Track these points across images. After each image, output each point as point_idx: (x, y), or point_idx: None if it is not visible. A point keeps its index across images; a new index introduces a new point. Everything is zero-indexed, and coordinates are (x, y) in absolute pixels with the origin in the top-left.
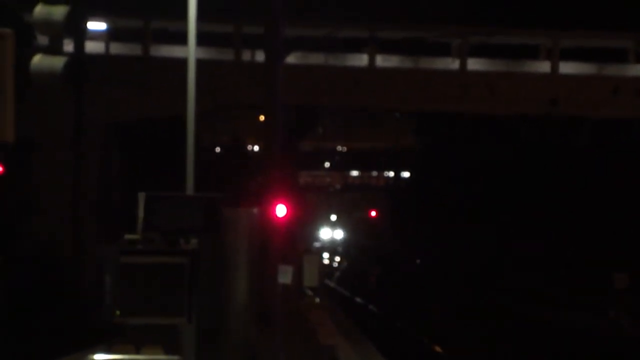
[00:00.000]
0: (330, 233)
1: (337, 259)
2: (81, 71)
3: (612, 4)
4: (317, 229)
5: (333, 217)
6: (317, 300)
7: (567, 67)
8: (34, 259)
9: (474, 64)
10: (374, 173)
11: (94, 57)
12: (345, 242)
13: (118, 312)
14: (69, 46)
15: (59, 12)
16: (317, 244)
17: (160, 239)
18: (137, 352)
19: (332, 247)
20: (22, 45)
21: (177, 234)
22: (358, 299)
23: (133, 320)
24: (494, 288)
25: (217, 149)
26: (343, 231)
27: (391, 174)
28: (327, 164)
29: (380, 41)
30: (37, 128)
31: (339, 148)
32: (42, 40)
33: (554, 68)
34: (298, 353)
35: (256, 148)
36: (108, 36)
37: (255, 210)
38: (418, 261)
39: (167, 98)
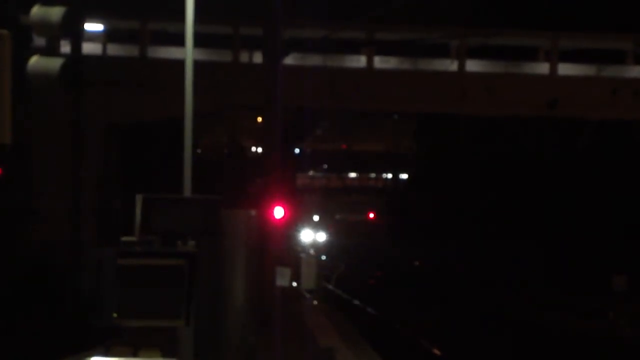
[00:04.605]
0: (312, 235)
1: (323, 257)
2: (78, 72)
3: (611, 5)
4: (301, 230)
5: (315, 218)
6: (315, 302)
7: (566, 69)
8: (33, 261)
9: (472, 66)
10: (372, 175)
11: (91, 59)
12: (332, 244)
13: (115, 315)
14: (66, 47)
15: (56, 13)
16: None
17: (158, 241)
18: (135, 354)
19: (316, 250)
20: (19, 46)
21: (174, 236)
22: (356, 301)
23: (130, 322)
24: (493, 289)
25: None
26: (325, 233)
27: (389, 175)
28: (325, 166)
29: (378, 42)
30: (35, 130)
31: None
32: (39, 41)
33: (553, 69)
34: (296, 355)
35: (253, 149)
36: (105, 37)
37: (253, 212)
38: (417, 263)
39: (165, 99)
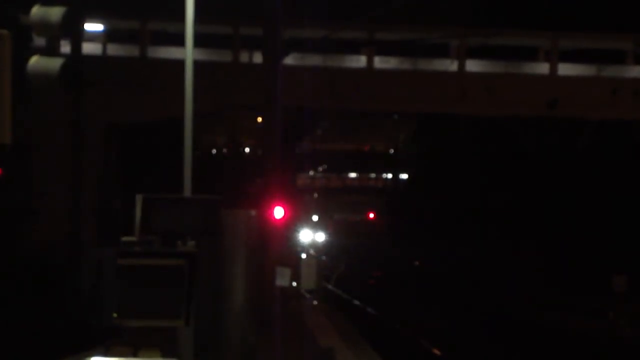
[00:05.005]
0: (311, 235)
1: (323, 257)
2: (78, 72)
3: (611, 5)
4: (300, 230)
5: (315, 218)
6: (315, 302)
7: (566, 69)
8: (33, 261)
9: (472, 66)
10: (372, 175)
11: (91, 59)
12: (331, 244)
13: (115, 315)
14: (66, 47)
15: (56, 13)
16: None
17: (158, 241)
18: (135, 354)
19: (316, 250)
20: (19, 46)
21: (174, 236)
22: (356, 301)
23: (130, 322)
24: (493, 289)
25: (214, 151)
26: (325, 233)
27: (389, 175)
28: (325, 166)
29: (378, 42)
30: (35, 130)
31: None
32: (39, 41)
33: (553, 69)
34: (296, 355)
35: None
36: (105, 37)
37: (253, 212)
38: (417, 263)
39: (165, 99)
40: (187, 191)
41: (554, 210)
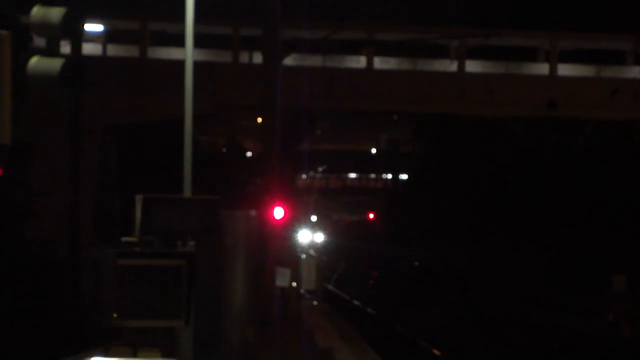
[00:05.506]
0: (310, 235)
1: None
2: (78, 73)
3: (611, 5)
4: (299, 231)
5: (314, 218)
6: (315, 302)
7: (565, 69)
8: (32, 261)
9: (472, 66)
10: (372, 175)
11: (91, 59)
12: (331, 244)
13: (115, 315)
14: (66, 48)
15: (56, 13)
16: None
17: (158, 242)
18: (134, 354)
19: (316, 250)
20: (19, 47)
21: (174, 236)
22: (356, 302)
23: (130, 323)
24: (493, 289)
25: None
26: (324, 234)
27: (389, 176)
28: (324, 167)
29: (378, 42)
30: (35, 130)
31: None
32: (39, 41)
33: (553, 70)
34: (296, 355)
35: (249, 153)
36: (105, 38)
37: (253, 212)
38: (416, 263)
39: (164, 100)
40: (187, 191)
41: (554, 210)
